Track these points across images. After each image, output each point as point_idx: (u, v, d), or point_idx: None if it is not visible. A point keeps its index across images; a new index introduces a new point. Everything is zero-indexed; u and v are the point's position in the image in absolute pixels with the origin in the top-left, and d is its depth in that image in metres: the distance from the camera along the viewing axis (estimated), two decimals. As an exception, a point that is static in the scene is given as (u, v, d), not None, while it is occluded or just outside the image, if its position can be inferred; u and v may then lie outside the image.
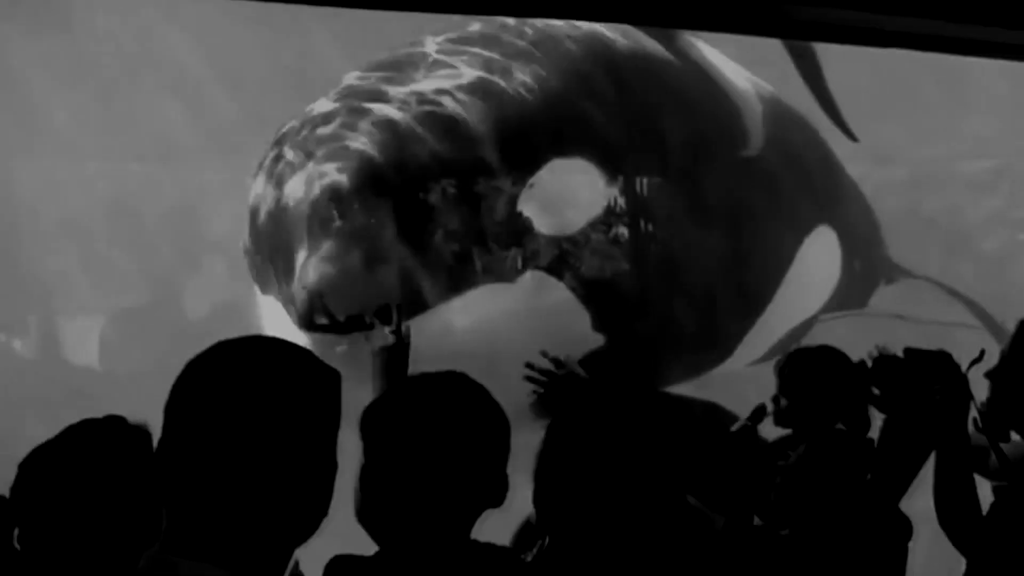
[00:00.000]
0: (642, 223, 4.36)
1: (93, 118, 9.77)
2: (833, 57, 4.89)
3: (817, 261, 5.53)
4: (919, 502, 2.98)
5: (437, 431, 2.08)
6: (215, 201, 9.24)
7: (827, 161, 6.08)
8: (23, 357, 9.79)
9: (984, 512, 2.89)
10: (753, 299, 5.07)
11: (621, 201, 4.28)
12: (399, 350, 3.29)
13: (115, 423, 2.12)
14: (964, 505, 2.85)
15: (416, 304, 3.78)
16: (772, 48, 5.33)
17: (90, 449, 2.08)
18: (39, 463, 2.10)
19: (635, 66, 4.68)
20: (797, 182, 5.42)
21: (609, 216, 4.26)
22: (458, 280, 3.91)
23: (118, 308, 9.69)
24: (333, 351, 3.57)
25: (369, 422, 2.12)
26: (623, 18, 3.96)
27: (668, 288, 4.51)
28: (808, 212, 5.50)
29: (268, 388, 1.83)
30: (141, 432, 2.07)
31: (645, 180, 4.40)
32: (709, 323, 4.79)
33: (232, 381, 1.82)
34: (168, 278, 9.73)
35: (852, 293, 6.16)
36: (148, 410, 2.09)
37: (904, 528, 3.00)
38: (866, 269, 6.38)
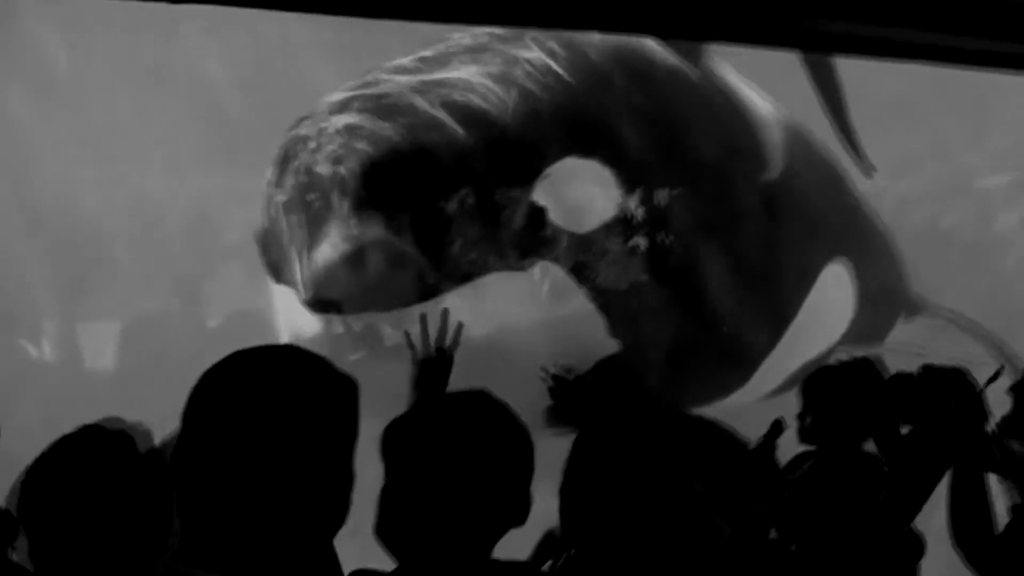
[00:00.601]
0: (657, 236, 4.33)
1: (111, 123, 9.81)
2: (851, 69, 4.86)
3: (832, 295, 5.41)
4: (935, 519, 2.96)
5: (460, 450, 2.05)
6: (231, 207, 9.27)
7: (845, 191, 5.99)
8: (40, 361, 9.80)
9: (999, 531, 2.87)
10: (765, 331, 5.00)
11: (636, 211, 4.26)
12: (442, 363, 3.28)
13: (107, 428, 2.08)
14: (978, 523, 2.83)
15: (426, 290, 3.80)
16: (792, 72, 5.31)
17: (86, 455, 2.04)
18: (37, 477, 2.06)
19: (659, 79, 4.66)
20: (814, 211, 5.34)
21: (624, 224, 4.24)
22: (470, 267, 3.91)
23: (135, 313, 9.70)
24: (349, 358, 3.57)
25: (391, 440, 2.09)
26: (645, 31, 3.96)
27: (681, 304, 4.46)
28: (824, 244, 5.41)
29: (284, 398, 1.83)
30: (138, 432, 2.05)
31: (661, 192, 4.37)
32: (719, 350, 4.73)
33: (248, 391, 1.83)
34: (185, 284, 9.75)
35: (868, 328, 6.03)
36: (163, 416, 2.08)
37: (915, 546, 2.98)
38: (883, 304, 6.24)
